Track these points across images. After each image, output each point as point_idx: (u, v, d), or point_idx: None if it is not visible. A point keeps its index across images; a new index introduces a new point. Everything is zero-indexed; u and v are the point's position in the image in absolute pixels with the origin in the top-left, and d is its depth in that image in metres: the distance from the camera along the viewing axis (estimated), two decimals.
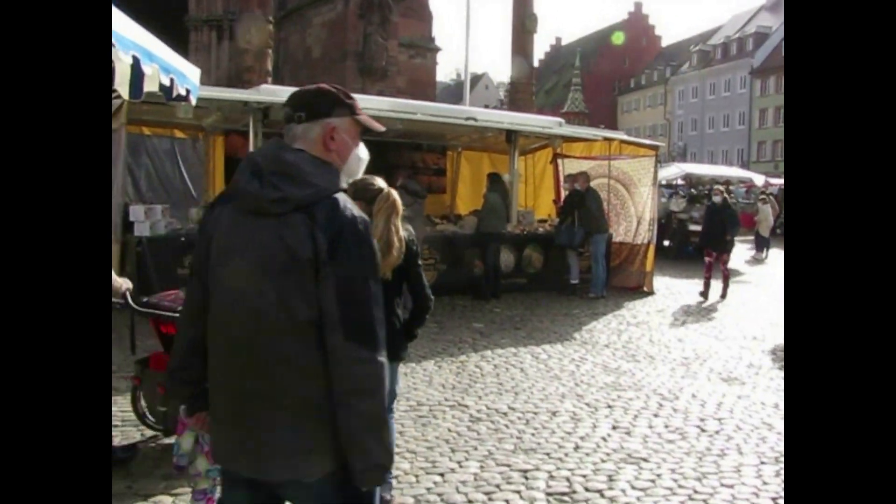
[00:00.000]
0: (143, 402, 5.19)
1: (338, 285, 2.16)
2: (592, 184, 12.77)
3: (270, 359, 2.20)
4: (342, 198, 2.24)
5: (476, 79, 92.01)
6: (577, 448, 5.34)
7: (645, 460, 5.13)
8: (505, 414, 6.09)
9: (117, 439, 5.04)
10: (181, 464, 3.80)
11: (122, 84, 4.94)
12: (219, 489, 3.62)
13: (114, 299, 4.51)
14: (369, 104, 11.77)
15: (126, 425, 5.41)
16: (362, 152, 2.48)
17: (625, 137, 14.41)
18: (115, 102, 10.32)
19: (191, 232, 9.85)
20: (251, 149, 10.32)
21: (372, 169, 10.45)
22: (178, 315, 4.55)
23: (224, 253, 2.28)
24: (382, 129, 2.44)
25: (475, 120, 11.60)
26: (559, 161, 14.68)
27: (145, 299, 4.69)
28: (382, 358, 2.21)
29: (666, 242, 19.26)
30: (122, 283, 4.52)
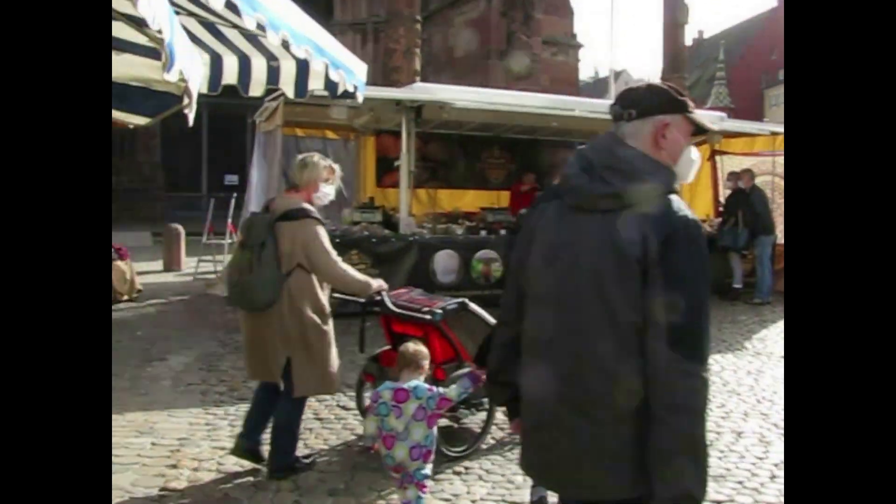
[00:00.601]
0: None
1: (666, 289, 2.00)
2: (756, 182, 12.00)
3: (585, 363, 2.10)
4: (675, 198, 2.11)
5: (615, 75, 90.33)
6: (773, 478, 4.80)
7: None
8: None
9: (302, 449, 4.92)
10: (368, 444, 3.94)
11: (287, 83, 4.83)
12: (430, 468, 3.82)
13: (358, 298, 4.75)
14: (525, 101, 11.45)
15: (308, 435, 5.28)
16: (694, 154, 2.32)
17: None
18: (271, 105, 10.46)
19: (345, 232, 9.80)
20: (403, 149, 10.21)
21: (528, 169, 10.16)
22: (417, 314, 4.76)
23: (548, 251, 2.21)
24: (715, 129, 2.17)
25: None
26: (717, 158, 13.90)
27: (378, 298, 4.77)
28: (707, 375, 2.04)
29: None
30: (377, 283, 4.65)
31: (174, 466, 4.76)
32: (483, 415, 5.18)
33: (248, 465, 4.75)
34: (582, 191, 2.16)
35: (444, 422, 4.94)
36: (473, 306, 5.02)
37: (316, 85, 4.77)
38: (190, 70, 2.91)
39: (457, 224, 11.00)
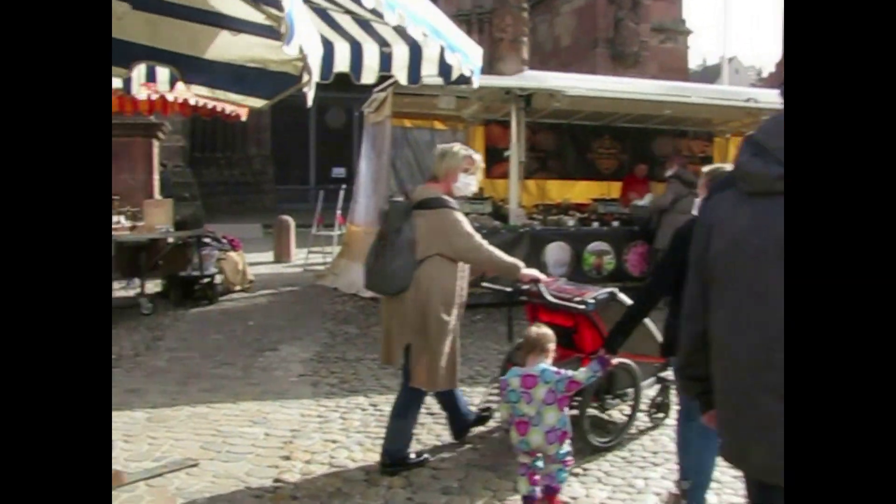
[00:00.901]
0: None
1: None
2: None
3: (780, 348, 1.95)
4: None
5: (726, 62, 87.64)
6: None
7: None
8: None
9: (416, 445, 4.84)
10: (505, 427, 4.08)
11: (399, 69, 4.71)
12: (540, 463, 3.85)
13: (505, 288, 4.81)
14: (639, 88, 11.12)
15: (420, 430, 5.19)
16: None
17: None
18: (380, 96, 10.44)
19: None
20: (513, 139, 10.03)
21: (639, 159, 9.76)
22: (570, 303, 4.70)
23: (731, 240, 2.13)
24: None
25: (756, 101, 10.55)
26: None
27: (524, 287, 4.80)
28: None
29: None
30: (530, 271, 4.62)
31: (287, 458, 4.72)
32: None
33: (360, 459, 4.69)
34: (757, 175, 2.07)
35: (591, 411, 4.93)
36: (622, 296, 4.90)
37: (429, 71, 4.64)
38: (309, 45, 2.81)
39: (567, 215, 10.75)
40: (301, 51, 2.68)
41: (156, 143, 12.77)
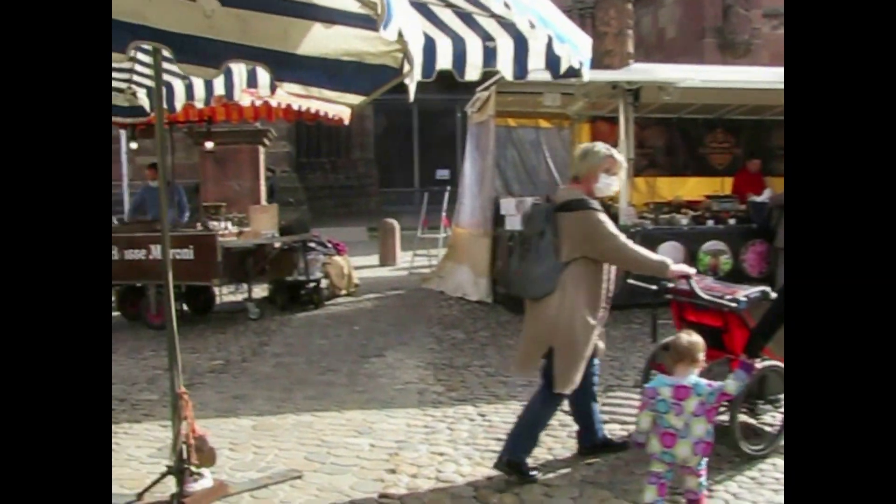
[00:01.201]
0: None
1: None
2: None
3: None
4: None
5: None
6: None
7: None
8: None
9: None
10: (639, 440, 3.85)
11: (504, 64, 4.47)
12: (672, 474, 3.77)
13: (650, 286, 4.77)
14: (756, 77, 10.66)
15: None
16: None
17: None
18: (483, 95, 10.26)
19: None
20: (621, 135, 9.68)
21: (754, 153, 9.25)
22: (721, 301, 4.52)
23: None
24: None
25: None
26: None
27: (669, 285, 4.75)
28: None
29: None
30: (679, 267, 4.47)
31: (392, 471, 4.56)
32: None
33: (468, 474, 4.48)
34: None
35: (742, 418, 4.71)
36: (775, 295, 4.64)
37: (536, 64, 4.39)
38: (409, 30, 2.61)
39: (680, 213, 10.31)
40: (400, 35, 2.48)
41: (262, 150, 12.93)
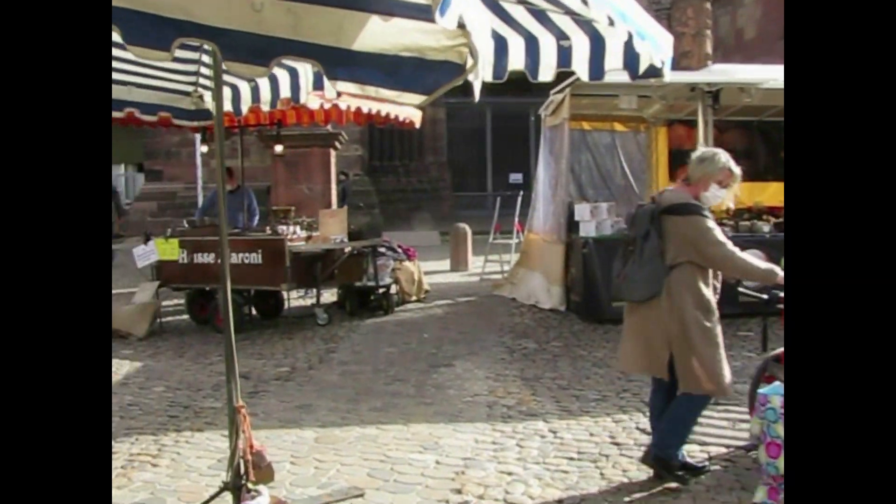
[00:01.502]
0: None
1: None
2: None
3: None
4: None
5: None
6: None
7: None
8: None
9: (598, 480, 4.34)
10: (753, 443, 3.94)
11: (580, 64, 4.22)
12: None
13: (761, 296, 4.69)
14: None
15: (604, 463, 4.70)
16: None
17: None
18: (557, 98, 9.99)
19: None
20: (700, 140, 9.31)
21: None
22: None
23: None
24: None
25: None
26: None
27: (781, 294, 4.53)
28: None
29: None
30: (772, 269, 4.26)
31: (458, 491, 4.34)
32: None
33: (537, 496, 4.24)
34: None
35: None
36: None
37: (614, 64, 4.13)
38: (471, 19, 2.39)
39: (761, 220, 9.89)
40: (461, 23, 2.25)
41: (333, 153, 12.89)
